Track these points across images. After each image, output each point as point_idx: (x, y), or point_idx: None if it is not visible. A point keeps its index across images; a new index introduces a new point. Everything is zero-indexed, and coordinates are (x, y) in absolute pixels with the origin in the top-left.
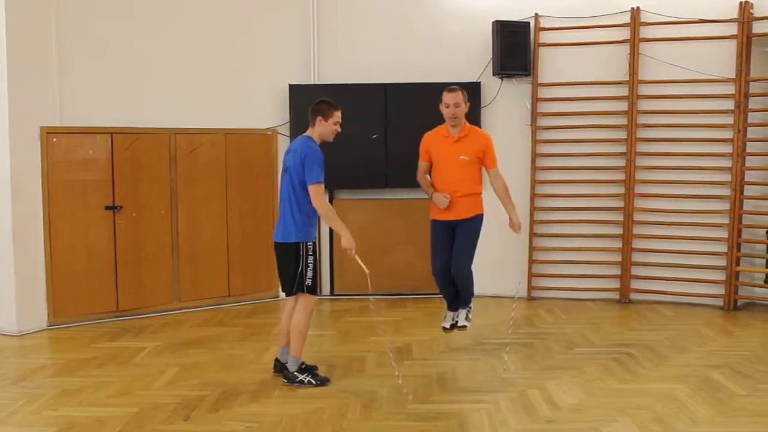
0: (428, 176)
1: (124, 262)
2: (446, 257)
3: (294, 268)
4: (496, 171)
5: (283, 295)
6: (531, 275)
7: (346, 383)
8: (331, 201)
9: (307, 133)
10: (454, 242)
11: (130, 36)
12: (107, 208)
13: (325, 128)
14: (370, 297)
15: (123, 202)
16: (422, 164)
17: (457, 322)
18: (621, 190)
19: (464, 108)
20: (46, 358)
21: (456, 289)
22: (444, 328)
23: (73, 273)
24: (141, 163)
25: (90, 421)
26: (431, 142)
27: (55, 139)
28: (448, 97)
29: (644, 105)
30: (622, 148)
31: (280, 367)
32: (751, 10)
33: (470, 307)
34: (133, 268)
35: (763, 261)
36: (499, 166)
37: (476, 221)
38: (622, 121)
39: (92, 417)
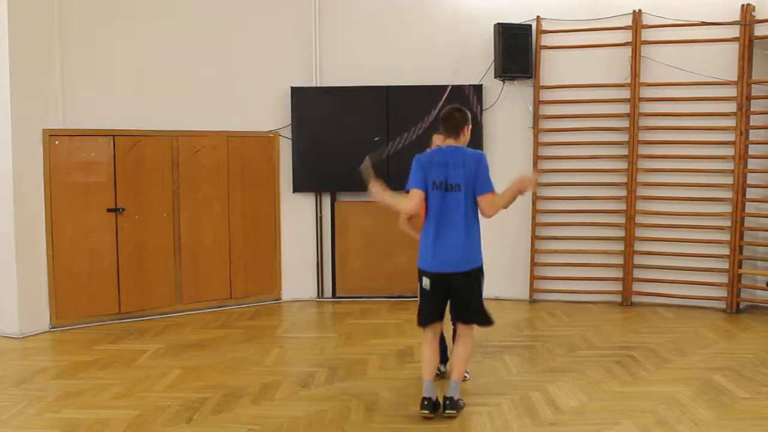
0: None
1: (126, 264)
2: None
3: (480, 295)
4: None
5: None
6: (533, 278)
7: (348, 386)
8: (332, 203)
9: (456, 144)
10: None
11: (132, 39)
12: (109, 210)
13: (468, 136)
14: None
15: (125, 204)
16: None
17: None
18: (623, 192)
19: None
20: (48, 361)
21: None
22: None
23: (76, 275)
24: (143, 166)
25: (92, 424)
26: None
27: (57, 142)
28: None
29: (646, 108)
30: (624, 151)
31: (450, 405)
32: (753, 13)
33: None
34: (136, 270)
35: (766, 264)
36: (502, 169)
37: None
38: (624, 123)
39: (94, 419)
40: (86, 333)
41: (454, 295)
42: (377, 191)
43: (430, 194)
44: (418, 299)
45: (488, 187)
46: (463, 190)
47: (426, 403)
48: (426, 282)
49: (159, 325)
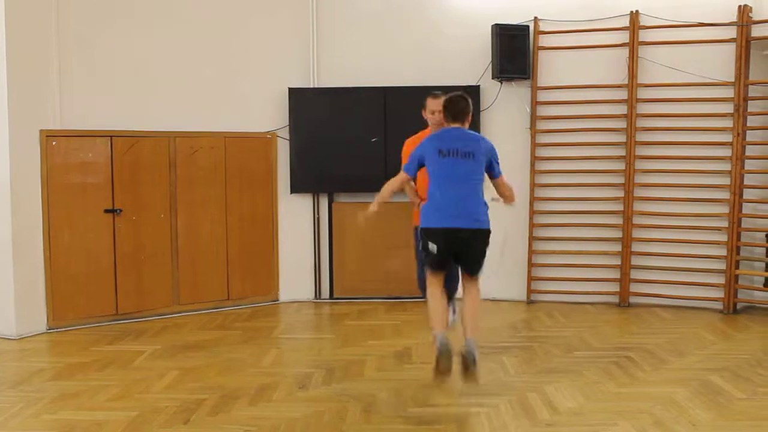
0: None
1: (124, 265)
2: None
3: (485, 252)
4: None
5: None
6: (530, 278)
7: (345, 387)
8: (330, 204)
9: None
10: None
11: (129, 39)
12: (107, 211)
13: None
14: None
15: (122, 205)
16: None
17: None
18: (620, 193)
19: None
20: (45, 362)
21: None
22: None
23: (73, 276)
24: (140, 167)
25: (89, 425)
26: (414, 146)
27: (54, 143)
28: (433, 104)
29: (643, 108)
30: (622, 152)
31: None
32: (750, 14)
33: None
34: (133, 271)
35: (763, 264)
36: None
37: None
38: (622, 124)
39: (91, 421)
40: (83, 334)
41: (464, 250)
42: (370, 210)
43: (437, 162)
44: (417, 265)
45: (500, 171)
46: (476, 160)
47: (443, 351)
48: (433, 246)
49: (156, 326)
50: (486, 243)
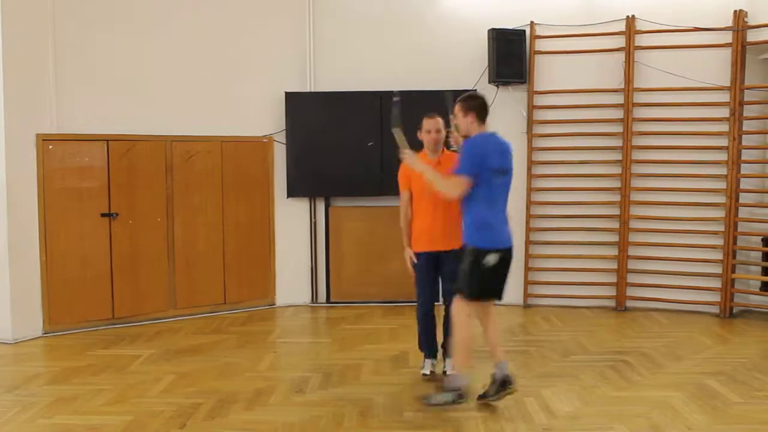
0: (409, 212)
1: (120, 269)
2: (434, 293)
3: None
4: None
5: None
6: (527, 282)
7: (342, 391)
8: (327, 209)
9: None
10: (440, 276)
11: (126, 43)
12: (103, 215)
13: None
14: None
15: (119, 209)
16: (405, 194)
17: (445, 371)
18: (617, 197)
19: (444, 133)
20: (41, 366)
21: (436, 337)
22: (424, 375)
23: (69, 280)
24: (137, 171)
25: (85, 430)
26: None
27: (51, 147)
28: (429, 124)
29: (639, 113)
30: (618, 156)
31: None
32: (746, 19)
33: None
34: (129, 275)
35: (759, 269)
36: None
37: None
38: (618, 128)
39: (87, 425)
40: (79, 338)
41: (505, 269)
42: (411, 160)
43: (489, 180)
44: (469, 280)
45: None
46: (510, 175)
47: (466, 396)
48: (494, 258)
49: (152, 330)
50: None
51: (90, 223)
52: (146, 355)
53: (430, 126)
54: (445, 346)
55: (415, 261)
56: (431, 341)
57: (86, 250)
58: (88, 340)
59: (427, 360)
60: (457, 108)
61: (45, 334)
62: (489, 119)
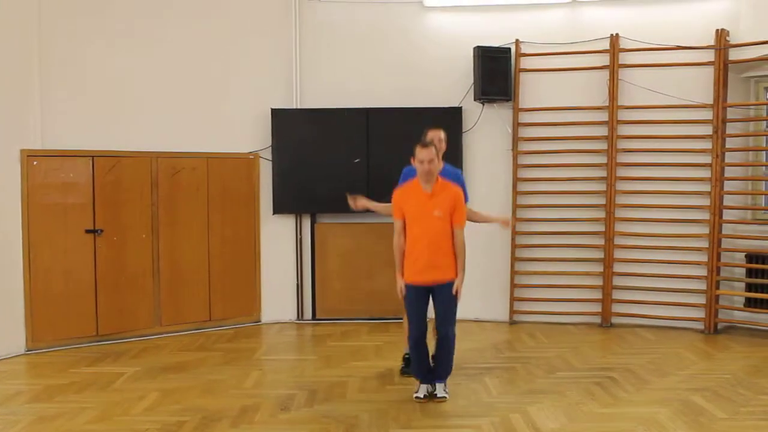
0: (402, 241)
1: (105, 286)
2: (424, 324)
3: None
4: (461, 232)
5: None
6: (513, 299)
7: (327, 408)
8: (312, 225)
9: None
10: (431, 306)
11: (112, 59)
12: (88, 231)
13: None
14: None
15: (104, 225)
16: (398, 223)
17: (435, 393)
18: (602, 214)
19: (438, 163)
20: (23, 384)
21: (428, 363)
22: (417, 398)
23: (53, 297)
24: (122, 187)
25: None
26: (404, 198)
27: (35, 162)
28: (422, 153)
29: (624, 130)
30: (603, 173)
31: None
32: (728, 38)
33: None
34: (114, 292)
35: (743, 285)
36: (482, 191)
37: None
38: (603, 146)
39: None
40: (63, 356)
41: None
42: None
43: None
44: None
45: None
46: None
47: None
48: None
49: (137, 347)
50: None
51: (74, 239)
52: (130, 372)
53: (423, 156)
54: (434, 369)
55: (404, 293)
56: (424, 367)
57: (70, 266)
58: (71, 357)
59: (422, 385)
60: (443, 135)
61: (28, 351)
62: (476, 136)
